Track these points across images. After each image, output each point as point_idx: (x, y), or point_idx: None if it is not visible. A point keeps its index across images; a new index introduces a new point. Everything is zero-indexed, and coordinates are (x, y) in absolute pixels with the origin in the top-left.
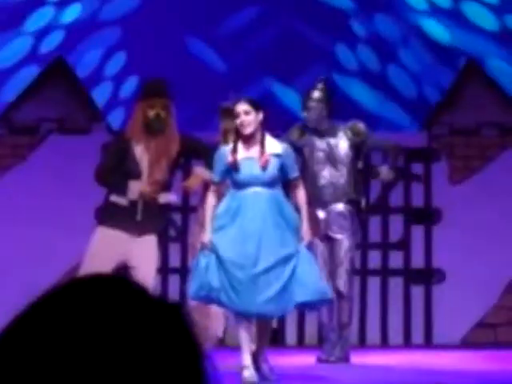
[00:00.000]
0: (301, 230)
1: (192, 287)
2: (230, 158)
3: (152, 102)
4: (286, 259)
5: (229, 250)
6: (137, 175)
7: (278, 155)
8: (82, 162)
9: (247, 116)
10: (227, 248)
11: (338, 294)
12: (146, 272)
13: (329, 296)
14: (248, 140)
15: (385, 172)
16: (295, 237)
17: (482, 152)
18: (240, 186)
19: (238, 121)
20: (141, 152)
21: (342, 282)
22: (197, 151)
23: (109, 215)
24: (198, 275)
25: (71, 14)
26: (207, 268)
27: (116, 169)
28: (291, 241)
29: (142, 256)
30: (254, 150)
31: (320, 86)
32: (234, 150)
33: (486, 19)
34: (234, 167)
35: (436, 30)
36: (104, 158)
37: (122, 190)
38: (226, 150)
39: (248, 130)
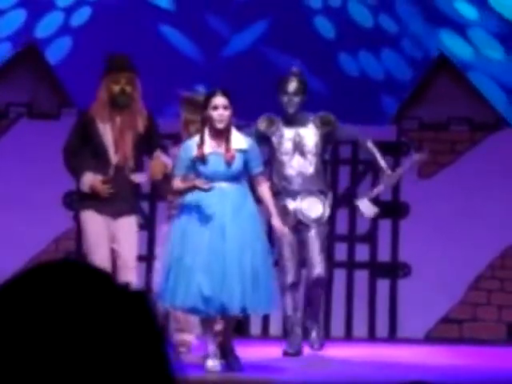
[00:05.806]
0: (273, 225)
1: (166, 296)
2: (197, 152)
3: (116, 77)
4: (248, 257)
5: (196, 247)
6: (102, 153)
7: (243, 150)
8: (52, 147)
9: (225, 111)
10: (195, 244)
11: (317, 281)
12: (129, 256)
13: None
14: (218, 134)
15: (365, 206)
16: (254, 234)
17: (452, 147)
18: (205, 180)
19: (214, 113)
20: (105, 129)
21: (321, 269)
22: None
23: (88, 198)
24: (166, 286)
25: None
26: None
27: (80, 150)
28: (253, 238)
29: (123, 239)
30: (221, 145)
31: (295, 78)
32: (202, 143)
33: None
34: (201, 160)
35: None
36: (67, 139)
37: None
38: (192, 143)
39: (224, 125)
